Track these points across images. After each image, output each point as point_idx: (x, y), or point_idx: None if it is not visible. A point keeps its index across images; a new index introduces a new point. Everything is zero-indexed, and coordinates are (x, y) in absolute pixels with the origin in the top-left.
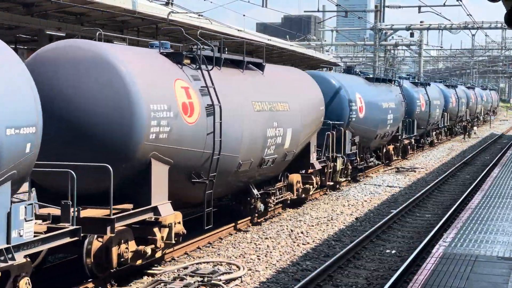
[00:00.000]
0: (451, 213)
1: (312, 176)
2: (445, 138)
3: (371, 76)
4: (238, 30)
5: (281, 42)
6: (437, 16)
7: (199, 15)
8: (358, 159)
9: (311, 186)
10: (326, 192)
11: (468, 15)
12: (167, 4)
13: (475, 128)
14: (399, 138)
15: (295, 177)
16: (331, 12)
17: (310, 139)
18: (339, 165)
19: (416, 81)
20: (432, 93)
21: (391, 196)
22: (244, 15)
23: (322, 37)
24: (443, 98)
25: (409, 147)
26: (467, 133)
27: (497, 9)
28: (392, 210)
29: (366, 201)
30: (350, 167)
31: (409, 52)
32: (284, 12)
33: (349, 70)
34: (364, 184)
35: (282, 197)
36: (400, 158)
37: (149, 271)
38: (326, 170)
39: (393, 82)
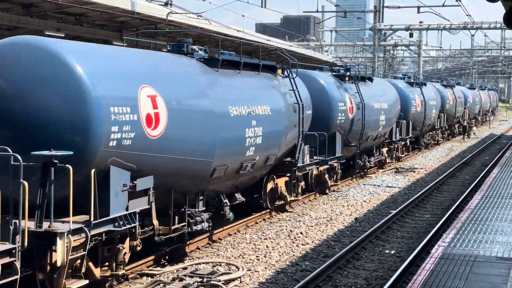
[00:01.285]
0: (450, 213)
1: None
2: (405, 154)
3: (224, 57)
4: (237, 31)
5: (280, 43)
6: (436, 16)
7: (198, 16)
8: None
9: None
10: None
11: (467, 15)
12: (166, 4)
13: (474, 128)
14: (295, 166)
15: None
16: (330, 12)
17: None
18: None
19: (344, 73)
20: (372, 93)
21: (391, 197)
22: (243, 16)
23: (321, 37)
24: (400, 101)
25: (326, 176)
26: (466, 134)
27: (496, 9)
28: (391, 211)
29: (365, 201)
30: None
31: (408, 53)
32: (283, 13)
33: (179, 46)
34: (364, 184)
35: None
36: (291, 203)
37: (148, 272)
38: None
39: (282, 71)
